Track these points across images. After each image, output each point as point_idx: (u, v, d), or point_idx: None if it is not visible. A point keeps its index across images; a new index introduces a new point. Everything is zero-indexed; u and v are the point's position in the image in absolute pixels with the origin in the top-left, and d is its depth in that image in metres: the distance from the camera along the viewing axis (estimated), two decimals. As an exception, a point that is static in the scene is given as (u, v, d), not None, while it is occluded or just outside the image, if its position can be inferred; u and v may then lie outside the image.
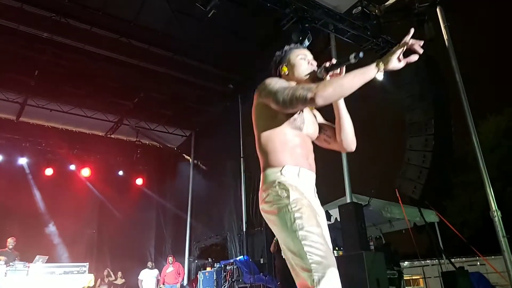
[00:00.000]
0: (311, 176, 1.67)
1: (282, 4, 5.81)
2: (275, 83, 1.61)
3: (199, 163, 10.76)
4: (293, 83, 1.70)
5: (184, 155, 11.48)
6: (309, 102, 1.42)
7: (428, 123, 6.90)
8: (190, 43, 7.37)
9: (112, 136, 10.95)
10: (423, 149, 7.03)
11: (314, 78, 1.69)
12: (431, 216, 7.86)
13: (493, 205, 5.72)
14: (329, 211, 6.84)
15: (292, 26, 6.06)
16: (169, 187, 11.97)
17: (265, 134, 1.67)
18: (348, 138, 1.75)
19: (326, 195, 7.02)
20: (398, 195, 7.10)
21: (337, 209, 6.18)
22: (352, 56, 1.50)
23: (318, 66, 1.70)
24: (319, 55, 7.43)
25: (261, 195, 1.59)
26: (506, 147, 18.18)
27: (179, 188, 11.11)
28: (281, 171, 1.57)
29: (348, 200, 5.95)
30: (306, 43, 5.86)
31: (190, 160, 11.01)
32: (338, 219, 6.24)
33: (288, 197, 1.49)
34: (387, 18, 6.39)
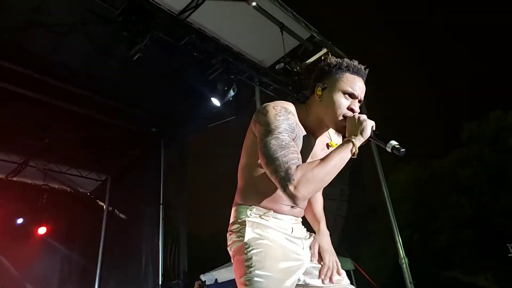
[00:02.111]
0: (289, 220, 1.47)
1: (208, 55, 5.94)
2: (276, 126, 1.32)
3: (114, 210, 10.08)
4: (315, 118, 1.47)
5: (98, 201, 10.70)
6: (286, 195, 1.22)
7: (344, 174, 7.30)
8: (111, 83, 7.10)
9: (14, 179, 9.87)
10: (339, 198, 7.39)
11: (343, 126, 1.39)
12: (347, 264, 8.10)
13: (401, 253, 6.11)
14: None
15: (219, 76, 6.20)
16: (78, 236, 10.93)
17: (249, 168, 1.46)
18: None
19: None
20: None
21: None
22: (391, 146, 1.29)
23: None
24: (245, 105, 7.65)
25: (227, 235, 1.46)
26: (414, 197, 19.89)
27: (90, 238, 10.22)
28: (247, 210, 1.42)
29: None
30: (231, 93, 6.01)
31: (104, 206, 10.28)
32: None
33: (243, 237, 1.35)
34: (307, 75, 6.82)
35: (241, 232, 1.37)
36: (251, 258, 1.29)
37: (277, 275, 1.28)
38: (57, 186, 10.67)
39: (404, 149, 1.27)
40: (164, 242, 7.93)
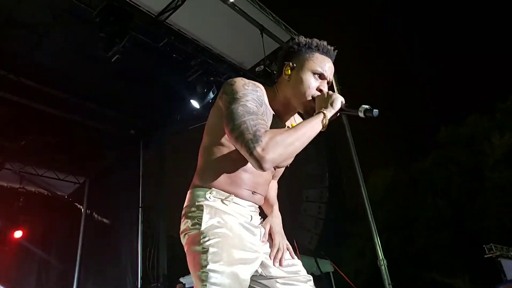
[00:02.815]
0: (248, 206, 1.39)
1: (188, 56, 5.94)
2: (242, 95, 1.27)
3: (92, 213, 9.91)
4: (284, 99, 1.41)
5: (76, 204, 10.50)
6: (253, 159, 1.15)
7: (323, 176, 7.39)
8: (89, 84, 7.02)
9: (-11, 182, 9.63)
10: (318, 201, 7.46)
11: (311, 107, 1.35)
12: (327, 266, 8.19)
13: (380, 255, 6.19)
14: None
15: (198, 78, 6.20)
16: (56, 240, 10.71)
17: (212, 147, 1.38)
18: None
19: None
20: (296, 246, 7.30)
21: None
22: (363, 109, 1.25)
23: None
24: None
25: (181, 220, 1.35)
26: (392, 199, 20.22)
27: (68, 241, 10.02)
28: (206, 193, 1.32)
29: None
30: (211, 95, 6.01)
31: (82, 209, 10.10)
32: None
33: (200, 224, 1.25)
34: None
35: (197, 219, 1.27)
36: (207, 251, 1.20)
37: (233, 268, 1.21)
38: (33, 189, 10.42)
39: (377, 110, 1.24)
40: (143, 245, 7.84)
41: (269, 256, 1.42)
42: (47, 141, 8.59)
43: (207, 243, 1.21)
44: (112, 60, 5.50)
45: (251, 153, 1.14)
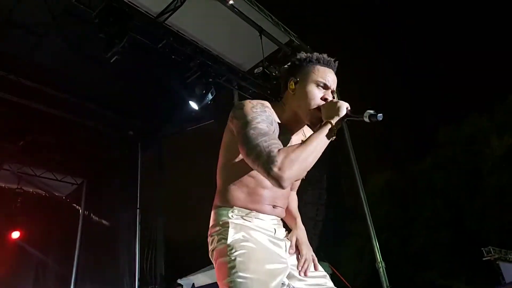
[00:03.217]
0: (270, 220, 1.44)
1: (186, 58, 5.93)
2: (252, 118, 1.32)
3: (90, 214, 9.90)
4: (291, 113, 1.46)
5: (73, 205, 10.48)
6: (272, 179, 1.19)
7: (321, 179, 7.40)
8: (88, 85, 7.01)
9: (-13, 182, 9.61)
10: (317, 202, 7.47)
11: (318, 117, 1.39)
12: (325, 268, 8.12)
13: (379, 257, 6.18)
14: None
15: (197, 79, 6.19)
16: (53, 241, 10.68)
17: (229, 167, 1.43)
18: None
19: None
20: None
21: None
22: (368, 114, 1.28)
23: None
24: (224, 109, 7.64)
25: (208, 239, 1.40)
26: (391, 200, 20.25)
27: (65, 242, 10.00)
28: (228, 212, 1.37)
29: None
30: (210, 97, 6.01)
31: (80, 210, 10.08)
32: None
33: (226, 238, 1.30)
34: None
35: (223, 235, 1.33)
36: (234, 260, 1.24)
37: (261, 277, 1.24)
38: (31, 190, 10.40)
39: (381, 114, 1.27)
40: (141, 247, 7.83)
41: (297, 267, 1.47)
42: (46, 142, 8.57)
43: (234, 254, 1.26)
44: (111, 61, 5.48)
45: (268, 174, 1.18)
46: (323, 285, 1.49)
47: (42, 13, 5.45)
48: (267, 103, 1.45)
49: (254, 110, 1.35)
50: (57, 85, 6.98)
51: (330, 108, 1.35)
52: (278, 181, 1.18)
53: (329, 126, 1.30)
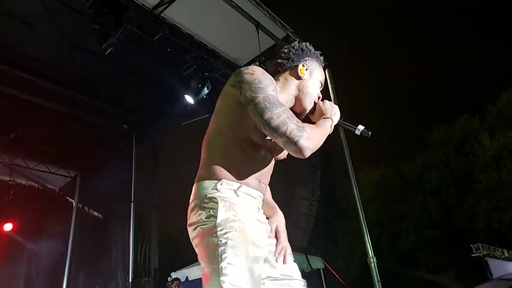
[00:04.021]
0: (257, 196, 1.39)
1: (182, 51, 5.90)
2: (266, 85, 1.29)
3: (84, 207, 9.85)
4: (289, 96, 1.47)
5: (67, 197, 10.42)
6: (296, 147, 1.20)
7: (315, 174, 7.43)
8: (82, 77, 6.94)
9: (-23, 174, 9.51)
10: (310, 198, 7.50)
11: (311, 111, 1.49)
12: (317, 263, 8.23)
13: (370, 252, 6.23)
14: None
15: (193, 73, 6.16)
16: (46, 233, 10.62)
17: (219, 137, 1.37)
18: None
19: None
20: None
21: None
22: (360, 130, 1.45)
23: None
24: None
25: (188, 213, 1.31)
26: (382, 198, 20.39)
27: (59, 235, 9.95)
28: (216, 184, 1.28)
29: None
30: (206, 91, 5.99)
31: (74, 203, 10.03)
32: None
33: (215, 216, 1.21)
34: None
35: (212, 211, 1.23)
36: (225, 243, 1.16)
37: (250, 264, 1.19)
38: (24, 182, 10.31)
39: (370, 132, 1.44)
40: (135, 240, 7.83)
41: (274, 254, 1.44)
42: (38, 134, 8.49)
43: (225, 235, 1.18)
44: (106, 53, 5.44)
45: (296, 142, 1.19)
46: (292, 277, 1.44)
47: (35, 4, 5.39)
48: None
49: (266, 77, 1.32)
50: (50, 76, 6.91)
51: (332, 108, 1.45)
52: (303, 151, 1.21)
53: (330, 121, 1.39)
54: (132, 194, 8.21)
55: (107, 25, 4.92)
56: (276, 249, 1.46)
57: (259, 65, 5.08)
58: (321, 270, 8.51)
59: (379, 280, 6.06)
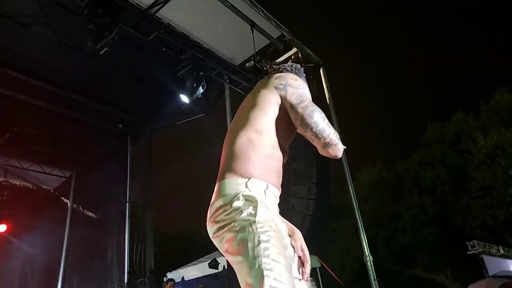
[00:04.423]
0: (278, 196, 1.39)
1: (177, 50, 5.89)
2: (308, 92, 1.46)
3: (79, 207, 9.81)
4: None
5: (62, 198, 10.38)
6: (336, 149, 1.36)
7: (311, 173, 7.43)
8: (77, 78, 6.91)
9: (-29, 174, 9.44)
10: (306, 197, 7.50)
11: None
12: (313, 262, 8.25)
13: (366, 251, 6.26)
14: (217, 259, 6.74)
15: (188, 72, 6.15)
16: (41, 234, 10.56)
17: (243, 131, 1.37)
18: None
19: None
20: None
21: (225, 257, 6.12)
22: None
23: None
24: (215, 103, 7.63)
25: (213, 211, 1.27)
26: (378, 196, 20.43)
27: (53, 236, 9.90)
28: (246, 183, 1.26)
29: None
30: (201, 90, 5.98)
31: (69, 204, 9.99)
32: (226, 267, 6.17)
33: (254, 214, 1.17)
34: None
35: (248, 209, 1.19)
36: (267, 240, 1.13)
37: (288, 261, 1.18)
38: (18, 183, 10.27)
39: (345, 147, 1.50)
40: (130, 240, 7.79)
41: (303, 273, 1.41)
42: (33, 134, 8.44)
43: (267, 233, 1.15)
44: (101, 53, 5.42)
45: (336, 144, 1.35)
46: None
47: (29, 3, 5.35)
48: None
49: (306, 85, 1.51)
50: (45, 77, 6.87)
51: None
52: (339, 153, 1.36)
53: None
54: (127, 194, 8.18)
55: (102, 25, 4.90)
56: (306, 268, 1.40)
57: (254, 65, 5.08)
58: (317, 269, 8.54)
59: (375, 278, 6.08)
